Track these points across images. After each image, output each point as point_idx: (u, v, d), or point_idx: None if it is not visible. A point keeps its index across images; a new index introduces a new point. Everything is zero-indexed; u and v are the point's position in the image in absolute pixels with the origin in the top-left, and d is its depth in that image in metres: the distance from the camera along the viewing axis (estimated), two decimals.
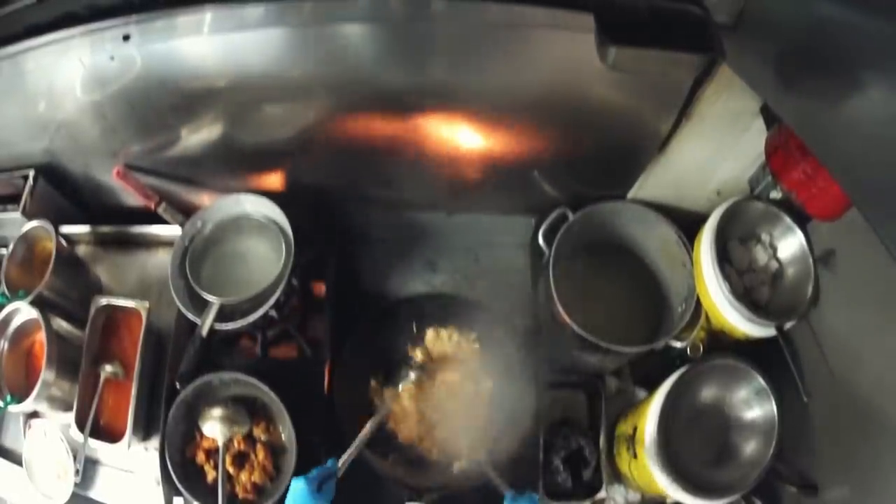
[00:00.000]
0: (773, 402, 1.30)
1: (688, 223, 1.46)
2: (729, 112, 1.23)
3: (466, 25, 1.13)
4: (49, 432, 1.51)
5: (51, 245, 1.51)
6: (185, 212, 1.56)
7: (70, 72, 1.26)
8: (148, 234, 1.67)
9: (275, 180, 1.58)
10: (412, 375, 1.47)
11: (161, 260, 1.67)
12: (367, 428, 1.34)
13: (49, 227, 1.53)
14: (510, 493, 1.26)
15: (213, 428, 1.42)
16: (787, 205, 1.35)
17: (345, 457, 1.27)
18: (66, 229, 1.61)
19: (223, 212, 1.53)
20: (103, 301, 1.52)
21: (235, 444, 1.44)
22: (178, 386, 1.41)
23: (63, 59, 1.24)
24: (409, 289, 1.72)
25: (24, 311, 1.46)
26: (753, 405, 1.35)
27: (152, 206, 1.54)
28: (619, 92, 1.22)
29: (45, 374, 1.39)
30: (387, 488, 1.41)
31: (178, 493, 1.42)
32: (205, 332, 1.38)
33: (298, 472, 1.37)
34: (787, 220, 1.36)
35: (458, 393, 1.47)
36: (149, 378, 1.50)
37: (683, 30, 1.07)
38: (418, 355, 1.49)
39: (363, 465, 1.39)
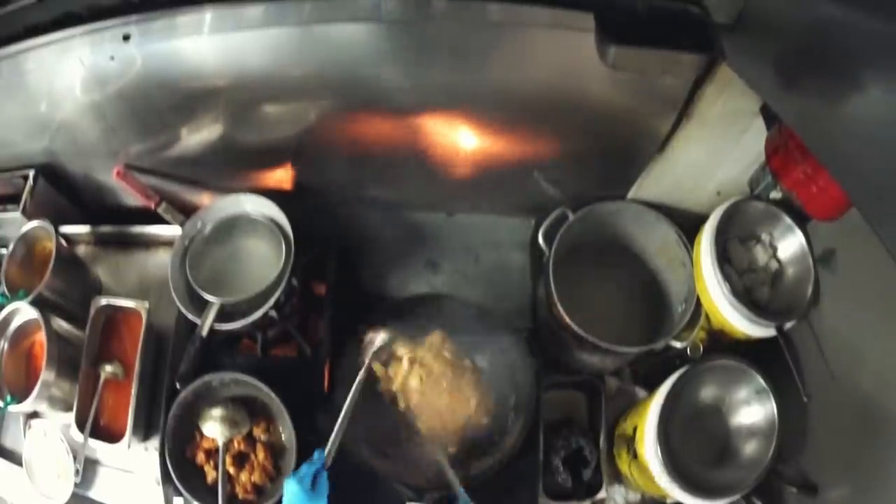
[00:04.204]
0: (773, 402, 1.30)
1: (688, 223, 1.46)
2: (729, 112, 1.23)
3: (466, 25, 1.13)
4: (49, 432, 1.51)
5: (51, 245, 1.51)
6: (185, 212, 1.56)
7: (70, 72, 1.26)
8: (148, 234, 1.67)
9: (275, 180, 1.58)
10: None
11: (161, 260, 1.67)
12: (346, 405, 1.30)
13: (49, 227, 1.53)
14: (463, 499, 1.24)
15: (213, 428, 1.42)
16: (787, 205, 1.35)
17: (329, 444, 1.24)
18: (66, 229, 1.61)
19: (223, 212, 1.53)
20: (103, 301, 1.52)
21: (235, 445, 1.44)
22: (178, 386, 1.41)
23: (63, 59, 1.24)
24: (410, 289, 1.72)
25: (24, 311, 1.46)
26: (753, 405, 1.35)
27: (152, 206, 1.54)
28: (619, 92, 1.22)
29: (45, 375, 1.39)
30: (387, 488, 1.41)
31: (179, 494, 1.42)
32: (205, 332, 1.38)
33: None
34: (787, 220, 1.36)
35: (456, 392, 1.46)
36: (149, 378, 1.50)
37: (683, 30, 1.07)
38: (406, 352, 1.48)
39: (363, 465, 1.39)
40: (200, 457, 1.45)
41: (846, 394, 1.22)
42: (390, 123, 1.37)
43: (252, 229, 1.52)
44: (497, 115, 1.34)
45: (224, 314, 1.40)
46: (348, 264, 1.72)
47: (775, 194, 1.37)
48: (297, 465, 1.37)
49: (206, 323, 1.38)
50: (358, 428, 1.37)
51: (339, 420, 1.27)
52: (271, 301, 1.39)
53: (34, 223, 1.54)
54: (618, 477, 1.53)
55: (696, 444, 1.38)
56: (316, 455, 1.23)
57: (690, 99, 1.23)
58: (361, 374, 1.36)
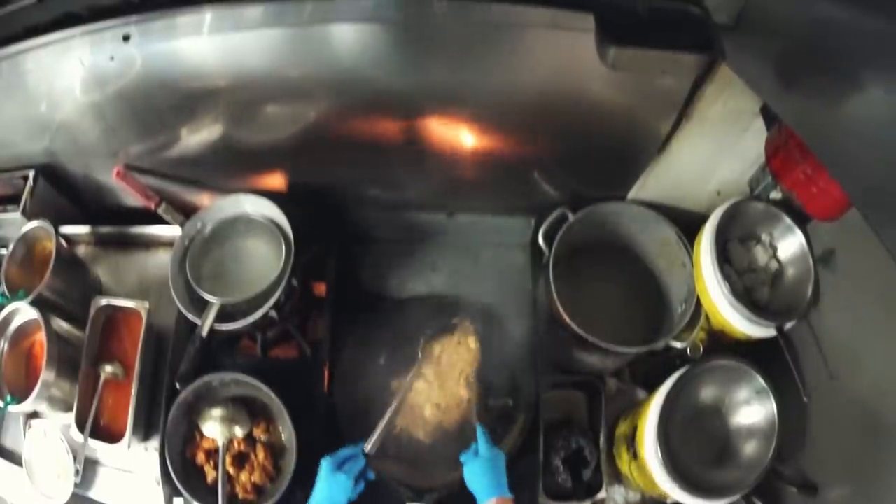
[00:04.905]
0: (773, 402, 1.30)
1: (688, 223, 1.46)
2: (729, 112, 1.23)
3: (467, 25, 1.13)
4: (49, 432, 1.51)
5: (51, 245, 1.51)
6: (185, 212, 1.56)
7: (70, 72, 1.25)
8: (148, 234, 1.68)
9: (275, 180, 1.58)
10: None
11: (161, 260, 1.67)
12: (396, 401, 1.36)
13: (49, 227, 1.53)
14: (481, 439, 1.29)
15: (213, 428, 1.42)
16: (787, 205, 1.35)
17: (374, 436, 1.30)
18: (66, 229, 1.61)
19: (223, 212, 1.53)
20: (103, 301, 1.52)
21: (235, 445, 1.44)
22: (178, 386, 1.41)
23: (63, 59, 1.24)
24: (410, 289, 1.72)
25: (24, 311, 1.46)
26: (753, 405, 1.35)
27: (152, 207, 1.54)
28: (619, 92, 1.22)
29: (45, 375, 1.39)
30: (387, 488, 1.41)
31: (178, 494, 1.42)
32: (205, 332, 1.38)
33: (298, 472, 1.37)
34: (787, 220, 1.36)
35: (456, 393, 1.47)
36: (149, 378, 1.50)
37: (683, 30, 1.07)
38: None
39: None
40: (200, 457, 1.45)
41: (846, 394, 1.22)
42: (390, 124, 1.37)
43: (252, 229, 1.52)
44: (497, 116, 1.34)
45: (224, 314, 1.40)
46: (348, 264, 1.72)
47: (775, 194, 1.37)
48: (298, 466, 1.38)
49: (206, 323, 1.38)
50: (360, 430, 1.38)
51: (387, 414, 1.31)
52: (271, 301, 1.39)
53: (34, 223, 1.54)
54: (618, 477, 1.53)
55: (696, 444, 1.38)
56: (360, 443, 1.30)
57: (690, 99, 1.23)
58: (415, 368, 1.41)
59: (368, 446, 1.29)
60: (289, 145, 1.43)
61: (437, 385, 1.44)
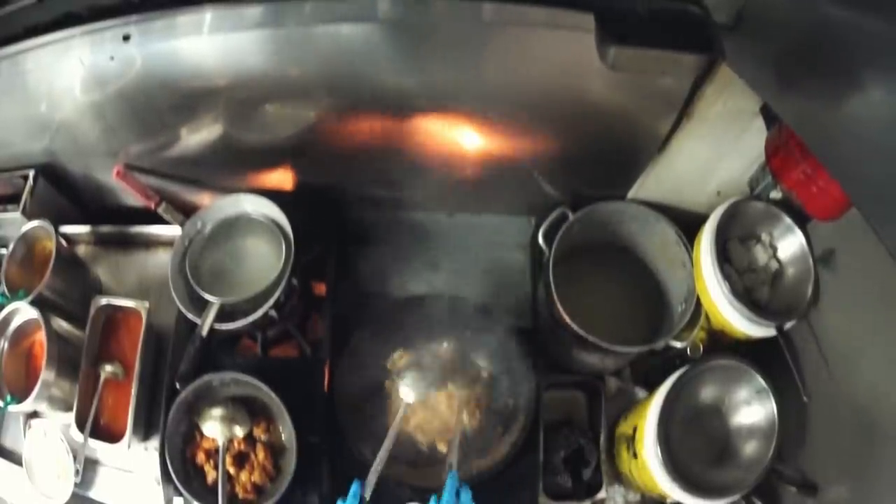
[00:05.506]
0: (773, 402, 1.30)
1: (688, 223, 1.46)
2: (729, 112, 1.23)
3: (466, 25, 1.13)
4: (49, 432, 1.51)
5: (51, 245, 1.51)
6: (185, 212, 1.56)
7: (70, 72, 1.26)
8: (148, 234, 1.67)
9: (275, 180, 1.58)
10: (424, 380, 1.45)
11: (161, 260, 1.67)
12: (390, 437, 1.30)
13: (49, 227, 1.53)
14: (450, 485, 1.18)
15: (213, 428, 1.41)
16: (787, 205, 1.35)
17: (371, 480, 1.22)
18: (66, 229, 1.61)
19: (223, 212, 1.53)
20: (103, 301, 1.52)
21: (235, 445, 1.44)
22: (178, 386, 1.41)
23: (63, 59, 1.24)
24: (410, 289, 1.72)
25: (24, 311, 1.46)
26: (753, 405, 1.35)
27: (152, 206, 1.54)
28: (619, 92, 1.22)
29: (45, 374, 1.39)
30: (387, 488, 1.41)
31: (178, 493, 1.42)
32: (205, 332, 1.38)
33: (298, 472, 1.37)
34: (787, 220, 1.36)
35: (457, 394, 1.47)
36: (149, 378, 1.50)
37: (683, 30, 1.07)
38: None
39: (363, 465, 1.39)
40: (200, 457, 1.45)
41: (846, 393, 1.22)
42: (390, 123, 1.37)
43: (252, 229, 1.52)
44: (497, 115, 1.34)
45: (224, 314, 1.40)
46: (348, 264, 1.72)
47: (775, 194, 1.38)
48: (298, 466, 1.38)
49: (206, 323, 1.38)
50: (360, 430, 1.38)
51: (380, 454, 1.27)
52: (271, 301, 1.39)
53: (34, 223, 1.54)
54: (618, 477, 1.53)
55: (696, 444, 1.38)
56: (353, 489, 1.19)
57: (690, 99, 1.23)
58: (401, 412, 1.35)
59: (368, 493, 1.21)
60: (289, 145, 1.43)
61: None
